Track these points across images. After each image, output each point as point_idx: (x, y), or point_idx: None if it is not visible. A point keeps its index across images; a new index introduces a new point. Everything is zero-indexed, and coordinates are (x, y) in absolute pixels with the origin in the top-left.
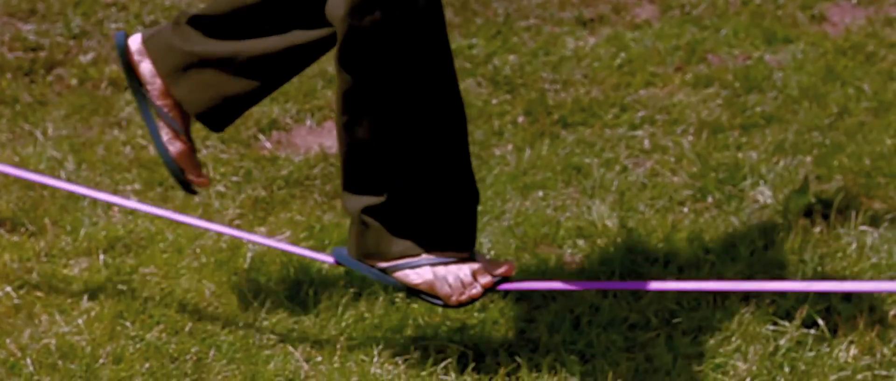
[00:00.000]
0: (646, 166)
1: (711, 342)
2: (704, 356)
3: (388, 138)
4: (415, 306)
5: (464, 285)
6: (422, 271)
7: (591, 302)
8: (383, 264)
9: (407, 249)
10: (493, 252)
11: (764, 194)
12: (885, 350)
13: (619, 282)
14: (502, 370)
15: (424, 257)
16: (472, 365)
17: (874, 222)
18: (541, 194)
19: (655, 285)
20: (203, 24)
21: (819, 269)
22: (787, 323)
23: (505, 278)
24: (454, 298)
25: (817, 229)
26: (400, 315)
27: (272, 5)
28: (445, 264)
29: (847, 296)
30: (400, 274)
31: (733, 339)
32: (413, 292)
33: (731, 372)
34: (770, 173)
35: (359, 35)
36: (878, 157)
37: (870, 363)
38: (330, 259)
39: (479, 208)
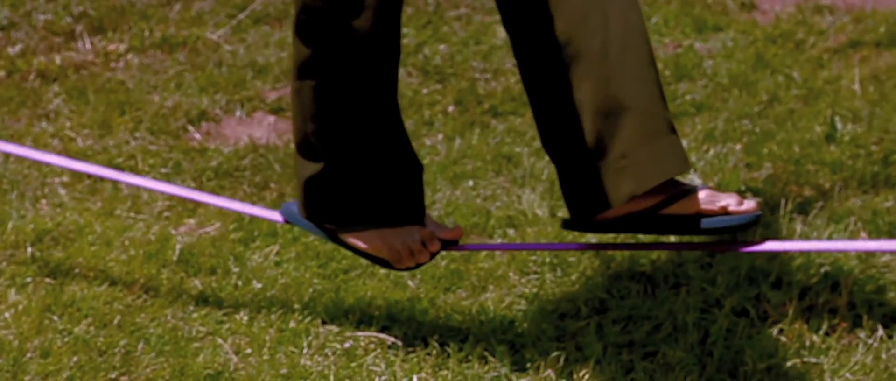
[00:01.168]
0: None
1: (641, 330)
2: (635, 345)
3: (328, 109)
4: (345, 296)
5: (412, 251)
6: (369, 235)
7: (521, 292)
8: (330, 226)
9: (352, 219)
10: None
11: (694, 183)
12: (815, 337)
13: (567, 245)
14: (431, 361)
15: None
16: (401, 355)
17: (803, 209)
18: (471, 183)
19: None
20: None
21: (747, 257)
22: (716, 311)
23: (453, 242)
24: (402, 262)
25: None
26: (330, 305)
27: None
28: (393, 227)
29: (777, 283)
30: (347, 237)
31: (663, 327)
32: (360, 253)
33: (661, 360)
34: (700, 162)
35: (311, 11)
36: (808, 144)
37: (799, 349)
38: (278, 217)
39: None
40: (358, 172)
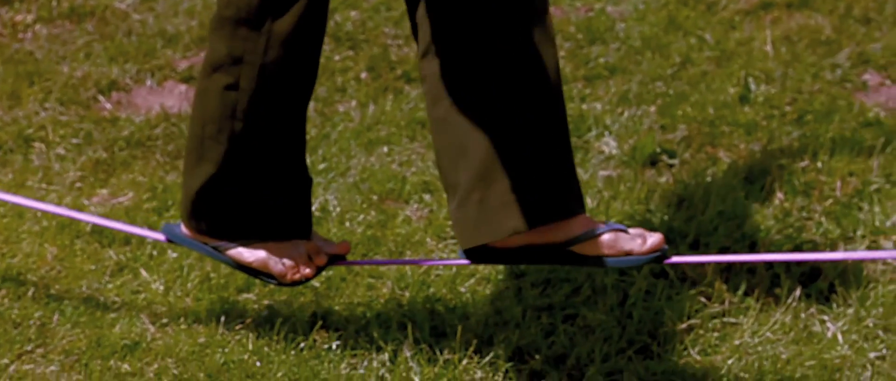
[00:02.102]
0: None
1: (560, 293)
2: (554, 308)
3: (234, 113)
4: None
5: (297, 265)
6: (255, 250)
7: (439, 257)
8: (215, 243)
9: (239, 231)
10: (338, 209)
11: (609, 145)
12: (734, 298)
13: (452, 260)
14: (351, 327)
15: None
16: (319, 323)
17: (719, 170)
18: (385, 149)
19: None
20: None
21: (666, 219)
22: (635, 273)
23: (340, 257)
24: (288, 277)
25: (663, 179)
26: (246, 275)
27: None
28: (279, 242)
29: (694, 244)
30: (233, 252)
31: (583, 290)
32: (246, 270)
33: (581, 323)
34: (615, 124)
35: (237, 7)
36: (722, 105)
37: (718, 310)
38: (161, 237)
39: (324, 164)
40: (250, 182)
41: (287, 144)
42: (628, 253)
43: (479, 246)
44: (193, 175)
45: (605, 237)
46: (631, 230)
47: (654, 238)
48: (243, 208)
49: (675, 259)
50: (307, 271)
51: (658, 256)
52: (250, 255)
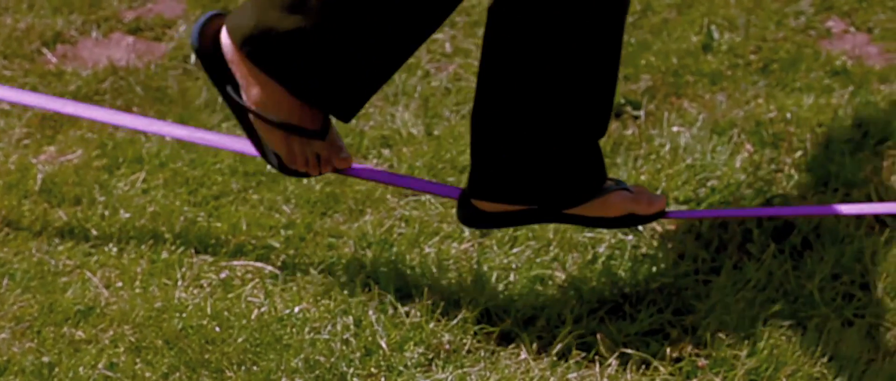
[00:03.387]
0: (448, 70)
1: (528, 252)
2: (521, 267)
3: None
4: (218, 224)
5: (307, 160)
6: (274, 130)
7: (401, 215)
8: (249, 98)
9: (284, 76)
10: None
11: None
12: (705, 255)
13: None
14: (313, 289)
15: (284, 114)
16: (281, 285)
17: (686, 121)
18: None
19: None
20: None
21: (633, 172)
22: (603, 230)
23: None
24: (293, 164)
25: (629, 131)
26: (202, 235)
27: None
28: (299, 132)
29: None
30: (255, 118)
31: (550, 248)
32: (250, 133)
33: (550, 282)
34: None
35: None
36: (685, 54)
37: (689, 269)
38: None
39: None
40: (341, 57)
41: (410, 32)
42: (632, 213)
43: (475, 210)
44: (280, 19)
45: (612, 197)
46: (632, 188)
47: (659, 202)
48: (312, 73)
49: (673, 214)
50: (312, 170)
51: (660, 216)
52: (267, 130)
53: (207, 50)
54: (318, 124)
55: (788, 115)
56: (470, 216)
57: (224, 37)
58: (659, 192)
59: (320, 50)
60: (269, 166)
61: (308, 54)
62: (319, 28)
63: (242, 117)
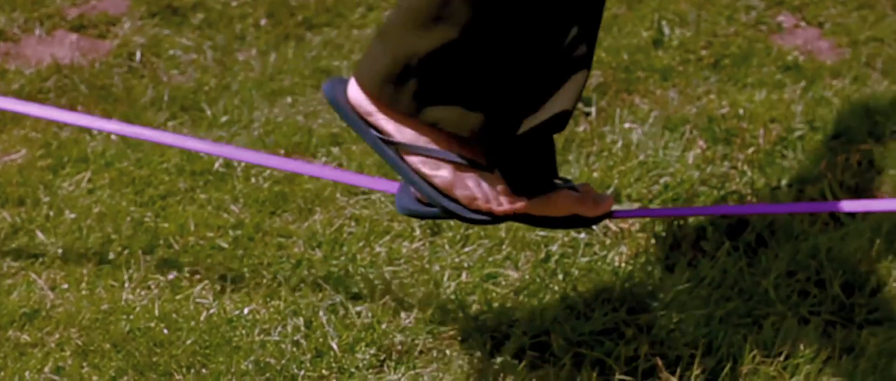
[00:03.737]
0: None
1: (480, 251)
2: (473, 267)
3: None
4: (165, 224)
5: (487, 197)
6: (440, 167)
7: (351, 213)
8: (396, 134)
9: (441, 119)
10: (243, 164)
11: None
12: (659, 253)
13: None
14: (262, 291)
15: (447, 150)
16: (230, 286)
17: (637, 117)
18: (289, 100)
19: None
20: None
21: (585, 169)
22: (557, 229)
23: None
24: (484, 205)
25: (581, 128)
26: (149, 236)
27: None
28: (469, 167)
29: (616, 196)
30: (412, 159)
31: (503, 247)
32: (428, 189)
33: (503, 282)
34: None
35: None
36: (636, 50)
37: (643, 267)
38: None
39: (226, 117)
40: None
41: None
42: (577, 214)
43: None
44: (419, 37)
45: (558, 197)
46: (578, 187)
47: (606, 203)
48: (476, 88)
49: (620, 213)
50: (506, 207)
51: (607, 216)
52: (432, 169)
53: (349, 114)
54: (484, 156)
55: (741, 110)
56: (408, 204)
57: (355, 91)
58: (611, 190)
59: (474, 61)
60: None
61: (461, 74)
62: (471, 31)
63: (408, 174)
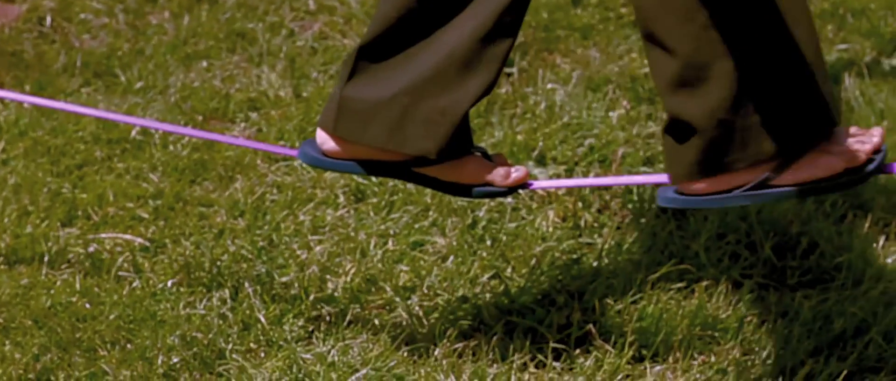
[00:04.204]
0: (314, 29)
1: (405, 218)
2: (399, 234)
3: None
4: (83, 195)
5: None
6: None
7: (273, 181)
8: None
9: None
10: (160, 131)
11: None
12: (588, 216)
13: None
14: (184, 262)
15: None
16: (151, 257)
17: (560, 78)
18: (205, 64)
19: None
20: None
21: (509, 131)
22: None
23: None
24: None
25: (503, 90)
26: (67, 207)
27: None
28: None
29: (541, 157)
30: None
31: (429, 213)
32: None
33: (430, 249)
34: None
35: None
36: (555, 8)
37: (571, 231)
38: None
39: (141, 83)
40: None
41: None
42: (487, 183)
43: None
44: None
45: (468, 163)
46: (493, 156)
47: (517, 174)
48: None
49: (536, 184)
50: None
51: (520, 188)
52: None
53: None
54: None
55: None
56: (312, 155)
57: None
58: (536, 153)
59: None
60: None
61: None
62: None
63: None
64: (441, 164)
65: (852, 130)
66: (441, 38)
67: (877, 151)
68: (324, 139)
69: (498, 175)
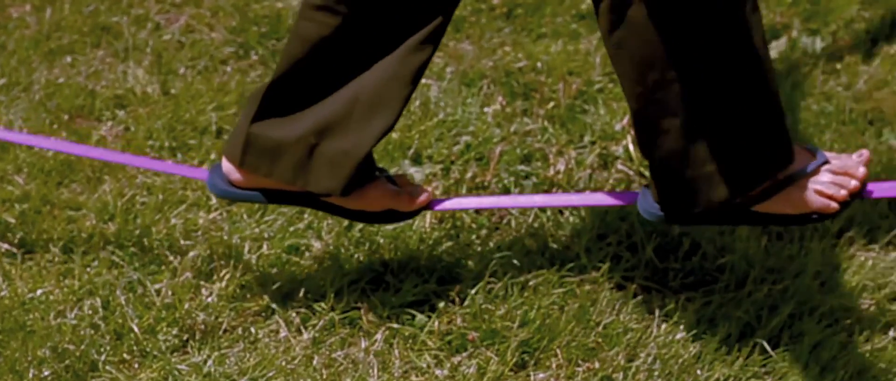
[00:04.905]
0: (180, 22)
1: (280, 221)
2: (274, 238)
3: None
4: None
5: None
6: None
7: (143, 182)
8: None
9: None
10: (25, 130)
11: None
12: (466, 217)
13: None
14: (55, 268)
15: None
16: (19, 264)
17: (433, 73)
18: (69, 59)
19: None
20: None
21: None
22: None
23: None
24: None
25: None
26: None
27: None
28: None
29: (417, 156)
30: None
31: (304, 216)
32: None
33: (307, 253)
34: None
35: None
36: None
37: (450, 233)
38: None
39: (4, 80)
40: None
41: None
42: (392, 209)
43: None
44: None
45: (373, 190)
46: (397, 178)
47: (422, 198)
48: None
49: (438, 207)
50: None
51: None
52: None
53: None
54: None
55: (539, 64)
56: (221, 187)
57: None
58: (412, 151)
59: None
60: None
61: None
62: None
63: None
64: (346, 195)
65: (834, 162)
66: (348, 81)
67: (854, 194)
68: (230, 169)
69: (403, 202)
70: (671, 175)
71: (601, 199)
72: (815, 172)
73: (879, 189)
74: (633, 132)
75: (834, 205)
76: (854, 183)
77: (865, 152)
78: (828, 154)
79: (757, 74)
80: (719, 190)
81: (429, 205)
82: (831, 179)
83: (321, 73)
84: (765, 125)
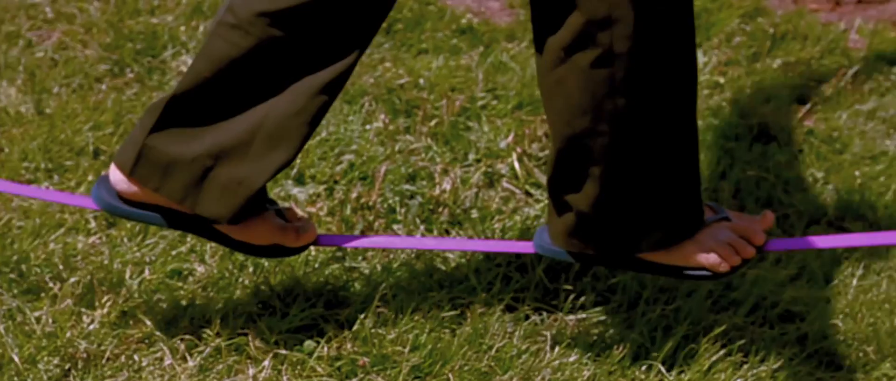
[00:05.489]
0: (53, 39)
1: (162, 244)
2: (156, 262)
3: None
4: None
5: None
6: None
7: (18, 205)
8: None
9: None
10: None
11: (188, 65)
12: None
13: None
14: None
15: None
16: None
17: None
18: None
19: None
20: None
21: None
22: None
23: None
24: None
25: None
26: None
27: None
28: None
29: (300, 179)
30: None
31: (187, 239)
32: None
33: (191, 277)
34: (191, 41)
35: None
36: None
37: (336, 255)
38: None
39: None
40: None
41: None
42: (279, 244)
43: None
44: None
45: (260, 223)
46: (286, 211)
47: (309, 234)
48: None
49: (325, 241)
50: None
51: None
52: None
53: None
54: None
55: (421, 80)
56: (108, 202)
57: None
58: (295, 172)
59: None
60: None
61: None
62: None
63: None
64: (233, 224)
65: (736, 222)
66: (252, 107)
67: (747, 261)
68: (119, 179)
69: (289, 237)
70: (581, 216)
71: (495, 246)
72: (714, 225)
73: (773, 245)
74: (518, 151)
75: (725, 266)
76: (750, 250)
77: (770, 216)
78: (730, 212)
79: (686, 144)
80: (623, 241)
81: (316, 241)
82: (730, 238)
83: (226, 93)
84: (682, 193)
